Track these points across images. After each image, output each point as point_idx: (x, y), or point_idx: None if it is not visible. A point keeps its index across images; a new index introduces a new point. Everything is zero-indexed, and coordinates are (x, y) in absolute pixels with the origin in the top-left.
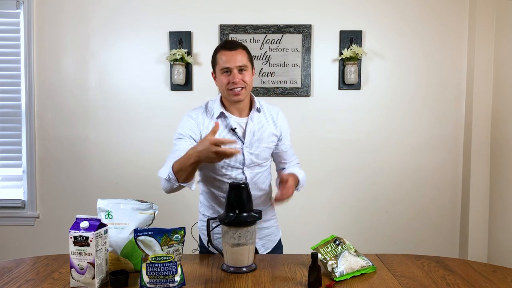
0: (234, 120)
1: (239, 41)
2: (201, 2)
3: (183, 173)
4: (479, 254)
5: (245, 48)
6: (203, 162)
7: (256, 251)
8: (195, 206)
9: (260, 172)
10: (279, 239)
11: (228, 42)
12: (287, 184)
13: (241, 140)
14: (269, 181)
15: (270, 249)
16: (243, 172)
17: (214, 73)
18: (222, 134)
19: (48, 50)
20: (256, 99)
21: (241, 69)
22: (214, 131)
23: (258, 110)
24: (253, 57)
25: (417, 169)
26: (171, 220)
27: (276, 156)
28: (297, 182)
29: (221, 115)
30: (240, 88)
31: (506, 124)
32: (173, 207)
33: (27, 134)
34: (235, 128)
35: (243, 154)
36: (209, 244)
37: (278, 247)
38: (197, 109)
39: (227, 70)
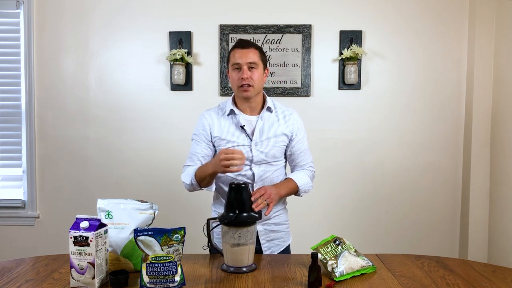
0: (244, 118)
1: None
2: (201, 2)
3: (204, 181)
4: (479, 254)
5: (258, 48)
6: (218, 172)
7: (261, 252)
8: (194, 207)
9: (269, 170)
10: (287, 245)
11: (241, 41)
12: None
13: (249, 137)
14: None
15: (275, 254)
16: (251, 169)
17: (228, 71)
18: (231, 130)
19: (48, 50)
20: (269, 99)
21: (251, 67)
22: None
23: (270, 110)
24: None
25: (417, 169)
26: (171, 220)
27: (289, 159)
28: (295, 187)
29: (231, 112)
30: (248, 85)
31: (506, 124)
32: (173, 207)
33: (27, 134)
34: (244, 126)
35: (251, 151)
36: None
37: (285, 253)
38: (211, 109)
39: (238, 67)
